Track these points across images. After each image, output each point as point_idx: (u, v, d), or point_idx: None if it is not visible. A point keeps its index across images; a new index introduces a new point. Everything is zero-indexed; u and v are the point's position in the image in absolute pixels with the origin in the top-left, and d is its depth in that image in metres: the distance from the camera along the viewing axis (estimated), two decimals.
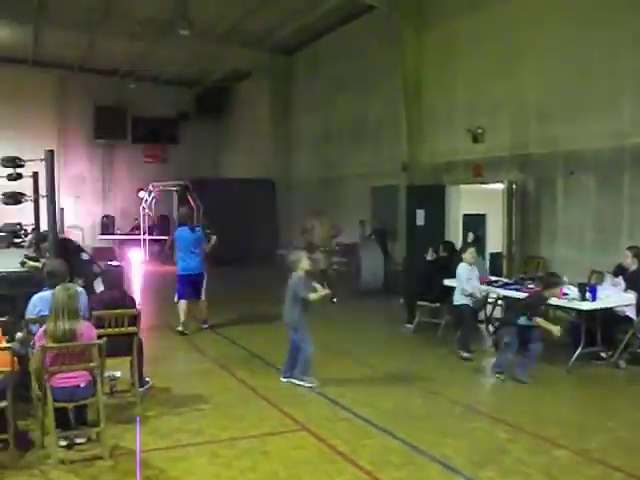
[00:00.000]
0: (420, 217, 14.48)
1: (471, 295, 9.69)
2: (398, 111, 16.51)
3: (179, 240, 11.75)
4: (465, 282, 9.67)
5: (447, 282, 10.78)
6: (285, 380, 8.35)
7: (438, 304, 11.18)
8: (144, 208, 24.41)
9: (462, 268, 9.77)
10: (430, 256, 11.85)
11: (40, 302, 6.89)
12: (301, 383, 8.14)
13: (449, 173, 15.32)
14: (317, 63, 21.16)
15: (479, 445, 6.28)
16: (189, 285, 11.62)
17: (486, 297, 10.76)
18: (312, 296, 8.20)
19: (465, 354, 9.49)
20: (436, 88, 15.65)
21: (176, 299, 11.65)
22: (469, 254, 9.90)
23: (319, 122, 21.26)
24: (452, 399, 7.67)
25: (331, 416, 7.13)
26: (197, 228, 11.92)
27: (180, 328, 11.43)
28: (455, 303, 9.86)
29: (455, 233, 15.11)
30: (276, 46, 21.95)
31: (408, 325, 11.61)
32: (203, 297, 11.74)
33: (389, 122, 17.32)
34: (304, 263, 8.32)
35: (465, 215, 15.54)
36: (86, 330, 6.16)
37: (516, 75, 13.46)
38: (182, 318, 11.48)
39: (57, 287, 6.31)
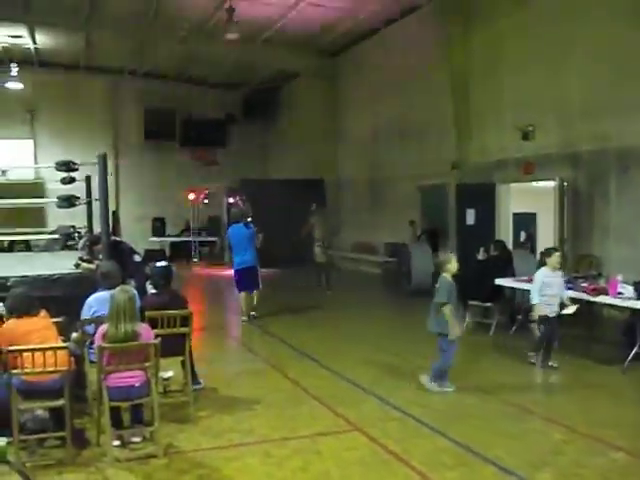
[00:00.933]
0: (470, 216, 14.32)
1: (535, 304, 8.79)
2: (445, 110, 16.40)
3: (235, 237, 12.42)
4: (538, 289, 8.78)
5: (498, 282, 10.66)
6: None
7: (489, 304, 11.10)
8: (194, 210, 24.66)
9: (539, 272, 8.92)
10: (481, 255, 11.74)
11: (96, 303, 7.00)
12: (428, 386, 7.88)
13: (499, 171, 15.14)
14: (363, 63, 21.09)
15: (533, 446, 6.20)
16: (247, 277, 12.29)
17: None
18: (445, 308, 7.65)
19: (532, 359, 9.02)
20: (484, 85, 15.50)
21: (237, 292, 12.56)
22: (555, 258, 8.84)
23: (366, 122, 21.21)
24: (504, 400, 7.57)
25: (383, 416, 7.10)
26: (250, 225, 12.44)
27: (244, 318, 12.41)
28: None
29: (505, 232, 14.94)
30: (322, 47, 21.97)
31: None
32: (260, 287, 12.45)
33: (436, 121, 17.20)
34: (453, 265, 7.83)
35: (515, 214, 15.35)
36: (144, 331, 6.26)
37: (565, 70, 13.22)
38: (244, 308, 12.46)
39: (116, 289, 6.42)
